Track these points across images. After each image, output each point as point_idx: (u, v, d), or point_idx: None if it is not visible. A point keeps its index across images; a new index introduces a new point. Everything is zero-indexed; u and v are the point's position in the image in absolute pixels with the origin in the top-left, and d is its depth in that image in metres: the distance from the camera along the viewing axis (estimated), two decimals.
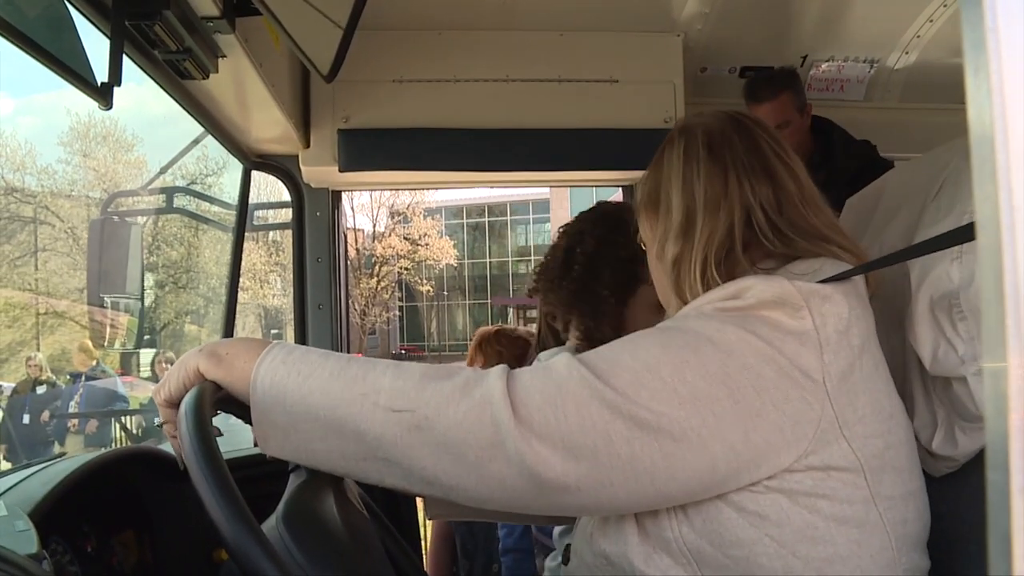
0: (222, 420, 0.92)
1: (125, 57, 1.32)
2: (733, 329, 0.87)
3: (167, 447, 1.49)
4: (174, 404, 0.89)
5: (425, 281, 32.72)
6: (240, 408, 0.90)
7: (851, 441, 0.86)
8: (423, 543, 2.32)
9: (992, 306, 0.31)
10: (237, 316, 2.44)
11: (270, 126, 2.15)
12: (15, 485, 1.18)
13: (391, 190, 23.51)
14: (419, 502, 2.12)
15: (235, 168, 2.43)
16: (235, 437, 1.66)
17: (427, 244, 30.39)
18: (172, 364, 1.05)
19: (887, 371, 0.96)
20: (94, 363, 8.25)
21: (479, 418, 0.81)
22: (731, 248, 1.00)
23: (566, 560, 1.08)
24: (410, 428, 0.82)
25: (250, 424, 0.90)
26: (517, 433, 0.80)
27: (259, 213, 2.85)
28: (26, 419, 7.96)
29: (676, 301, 1.03)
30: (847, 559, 0.87)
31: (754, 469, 0.85)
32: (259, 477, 1.05)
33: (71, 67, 1.19)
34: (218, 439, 0.81)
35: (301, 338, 2.48)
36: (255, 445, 0.91)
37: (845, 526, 0.87)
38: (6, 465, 7.80)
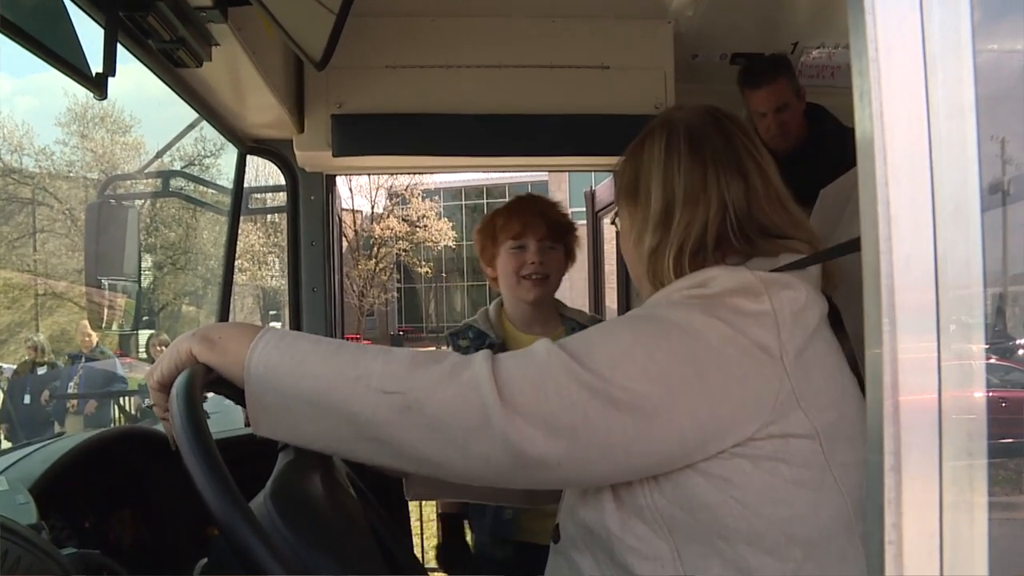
0: (215, 401, 0.95)
1: (119, 45, 1.35)
2: (699, 315, 0.92)
3: (163, 427, 1.53)
4: (166, 386, 0.92)
5: (423, 263, 32.55)
6: (230, 390, 0.94)
7: (807, 411, 0.92)
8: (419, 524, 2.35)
9: (871, 303, 0.35)
10: (236, 297, 2.48)
11: (264, 112, 2.17)
12: (16, 462, 1.22)
13: (384, 174, 23.42)
14: None
15: (233, 150, 2.45)
16: (226, 418, 1.70)
17: (425, 226, 30.29)
18: (166, 346, 1.08)
19: (840, 351, 1.02)
20: (94, 344, 8.30)
21: (466, 400, 0.86)
22: (703, 243, 1.05)
23: (556, 538, 1.13)
24: (401, 409, 0.87)
25: (240, 405, 0.93)
26: (502, 413, 0.85)
27: (256, 196, 2.86)
28: (26, 400, 8.00)
29: (650, 287, 1.09)
30: (806, 519, 0.92)
31: (719, 441, 0.90)
32: (249, 457, 1.09)
33: (66, 59, 1.22)
34: (208, 419, 0.85)
35: (296, 320, 2.51)
36: (246, 425, 0.95)
37: (803, 488, 0.92)
38: (6, 444, 7.86)
